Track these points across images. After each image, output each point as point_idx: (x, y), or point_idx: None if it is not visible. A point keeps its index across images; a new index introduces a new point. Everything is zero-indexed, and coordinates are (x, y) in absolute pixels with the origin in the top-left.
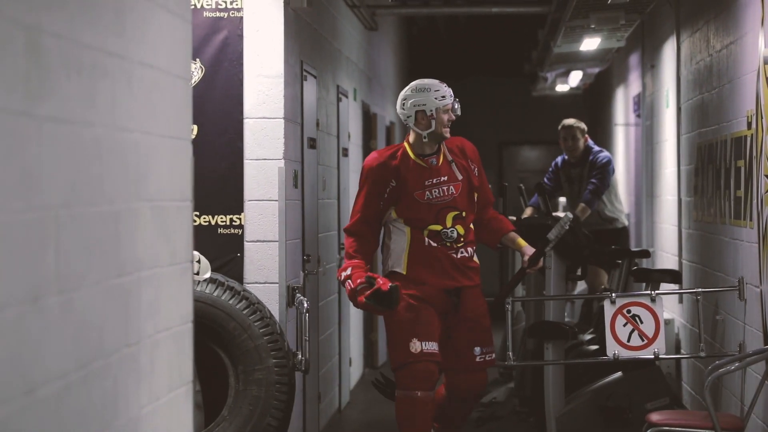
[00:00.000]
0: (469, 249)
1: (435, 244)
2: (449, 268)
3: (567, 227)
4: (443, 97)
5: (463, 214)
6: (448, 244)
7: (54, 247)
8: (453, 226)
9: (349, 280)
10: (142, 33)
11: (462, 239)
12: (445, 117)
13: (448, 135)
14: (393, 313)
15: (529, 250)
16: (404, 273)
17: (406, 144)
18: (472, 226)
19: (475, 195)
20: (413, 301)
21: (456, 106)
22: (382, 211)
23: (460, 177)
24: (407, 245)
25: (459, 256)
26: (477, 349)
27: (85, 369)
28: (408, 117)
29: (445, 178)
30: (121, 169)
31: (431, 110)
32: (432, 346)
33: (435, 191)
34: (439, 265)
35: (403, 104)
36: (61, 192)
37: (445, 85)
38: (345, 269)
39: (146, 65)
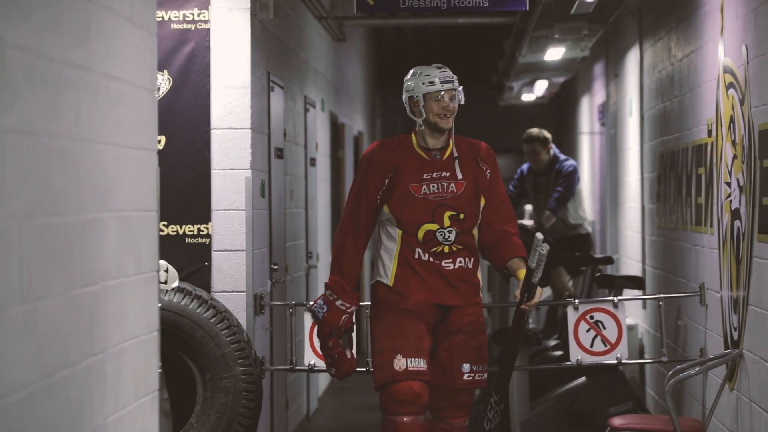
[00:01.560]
0: (467, 260)
1: (426, 257)
2: (441, 284)
3: (545, 251)
4: (431, 83)
5: (461, 216)
6: (446, 249)
7: (18, 258)
8: (450, 227)
9: (322, 312)
10: (107, 45)
11: (461, 242)
12: (435, 105)
13: (446, 125)
14: (376, 325)
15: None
16: (390, 285)
17: (413, 134)
18: (475, 233)
19: (482, 200)
20: (400, 313)
21: (459, 96)
22: (378, 207)
23: (460, 177)
24: (396, 254)
25: (456, 266)
26: (466, 366)
27: (49, 379)
28: (405, 104)
29: (447, 174)
30: (85, 179)
31: (418, 96)
32: (419, 363)
33: (433, 186)
34: (430, 279)
35: (404, 90)
36: (24, 203)
37: (441, 70)
38: (326, 293)
39: (111, 77)
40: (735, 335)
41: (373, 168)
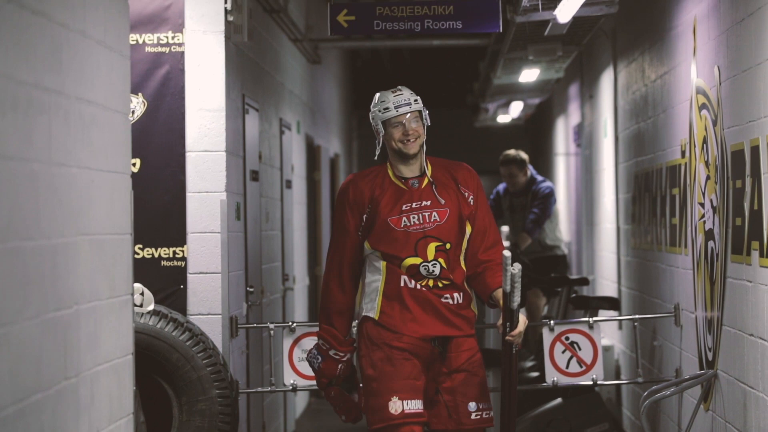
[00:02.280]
0: (457, 295)
1: (413, 285)
2: (431, 314)
3: (516, 271)
4: (386, 109)
5: (447, 246)
6: (431, 283)
7: None
8: (435, 259)
9: (317, 362)
10: (79, 69)
11: (448, 277)
12: (395, 132)
13: (410, 151)
14: (366, 364)
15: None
16: (376, 318)
17: (388, 164)
18: (462, 264)
19: (468, 228)
20: (392, 351)
21: (424, 116)
22: (361, 243)
23: (443, 202)
24: (381, 286)
25: (443, 301)
26: (472, 405)
27: (21, 403)
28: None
29: (428, 203)
30: (58, 204)
31: (377, 125)
32: (416, 405)
33: (414, 217)
34: (418, 309)
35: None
36: None
37: (396, 93)
38: (318, 342)
39: (84, 101)
40: (710, 356)
41: (348, 206)
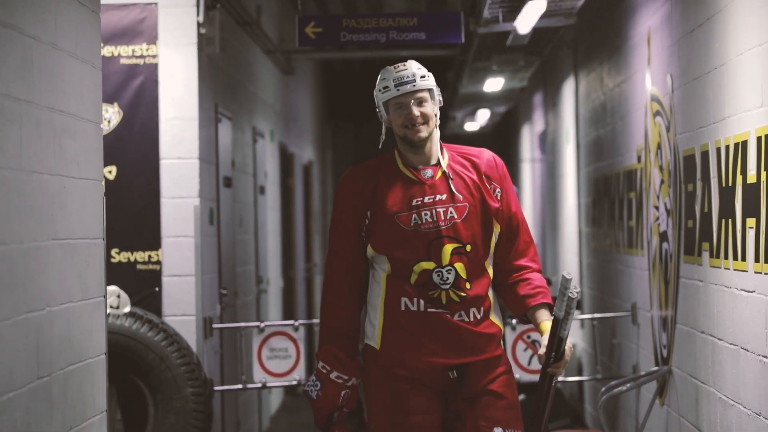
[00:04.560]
0: (474, 310)
1: (417, 307)
2: (442, 339)
3: (575, 295)
4: (385, 88)
5: (468, 248)
6: (443, 298)
7: None
8: (451, 264)
9: (316, 390)
10: (50, 80)
11: (464, 288)
12: (397, 115)
13: (417, 137)
14: (370, 397)
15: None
16: (377, 348)
17: (395, 151)
18: (489, 270)
19: (496, 226)
20: (397, 384)
21: (435, 96)
22: (365, 248)
23: (461, 197)
24: (381, 307)
25: (456, 319)
26: (498, 430)
27: None
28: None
29: (443, 197)
30: (29, 209)
31: (379, 108)
32: None
33: (426, 214)
34: (425, 334)
35: None
36: None
37: (398, 69)
38: (318, 368)
39: (55, 110)
40: (664, 353)
41: (348, 203)
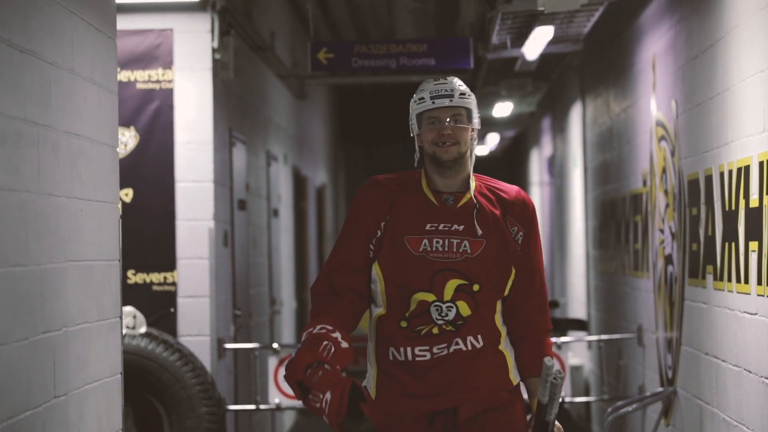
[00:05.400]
0: (472, 339)
1: (404, 356)
2: (433, 381)
3: (559, 381)
4: (421, 99)
5: (476, 287)
6: (435, 330)
7: None
8: (452, 301)
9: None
10: (67, 104)
11: (462, 321)
12: (430, 132)
13: (446, 157)
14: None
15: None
16: (373, 397)
17: (423, 170)
18: (498, 304)
19: (513, 272)
20: (395, 426)
21: (472, 117)
22: (369, 264)
23: (481, 232)
24: (373, 352)
25: (452, 350)
26: None
27: (12, 419)
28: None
29: (460, 227)
30: (47, 231)
31: (413, 121)
32: None
33: (438, 242)
34: (414, 381)
35: None
36: None
37: (437, 82)
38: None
39: (72, 134)
40: (669, 374)
41: (363, 211)
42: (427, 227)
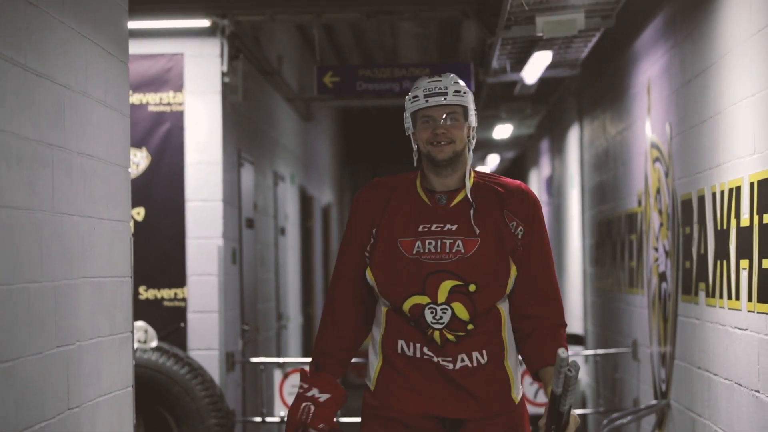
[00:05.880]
0: (477, 355)
1: (413, 352)
2: (438, 383)
3: (573, 373)
4: (415, 97)
5: (472, 287)
6: (438, 339)
7: None
8: (447, 303)
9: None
10: (80, 126)
11: (464, 331)
12: (424, 130)
13: (440, 156)
14: None
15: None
16: (372, 390)
17: (420, 171)
18: (503, 315)
19: (513, 269)
20: (383, 426)
21: (468, 114)
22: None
23: (477, 231)
24: (379, 344)
25: (458, 366)
26: None
27: (27, 430)
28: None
29: (453, 227)
30: (60, 249)
31: (407, 120)
32: None
33: (430, 243)
34: (420, 380)
35: None
36: (2, 271)
37: (432, 80)
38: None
39: (85, 155)
40: (663, 387)
41: (360, 216)
42: (420, 229)
